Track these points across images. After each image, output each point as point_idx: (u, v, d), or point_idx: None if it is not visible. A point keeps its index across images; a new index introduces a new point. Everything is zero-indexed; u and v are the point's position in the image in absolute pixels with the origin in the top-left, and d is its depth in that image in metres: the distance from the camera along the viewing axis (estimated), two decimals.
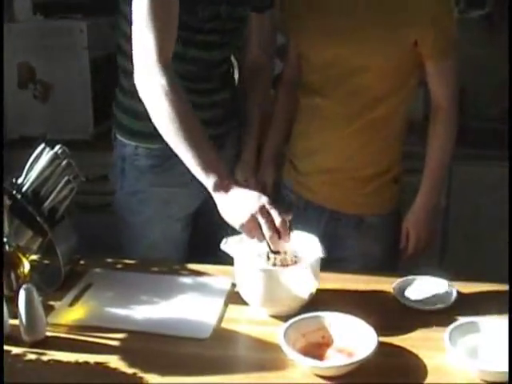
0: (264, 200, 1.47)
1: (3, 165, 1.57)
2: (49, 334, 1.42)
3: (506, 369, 1.27)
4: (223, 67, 1.95)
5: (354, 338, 1.36)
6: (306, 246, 1.56)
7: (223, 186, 1.50)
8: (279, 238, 1.46)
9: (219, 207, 1.52)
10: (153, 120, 1.58)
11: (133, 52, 1.60)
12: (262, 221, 1.44)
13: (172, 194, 1.92)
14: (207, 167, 1.51)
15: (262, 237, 1.46)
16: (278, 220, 1.45)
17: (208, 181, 1.51)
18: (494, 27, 3.06)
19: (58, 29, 2.76)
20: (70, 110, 2.80)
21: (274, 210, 1.45)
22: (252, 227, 1.46)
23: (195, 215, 2.00)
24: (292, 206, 1.93)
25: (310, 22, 1.83)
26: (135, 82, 1.60)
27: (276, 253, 1.51)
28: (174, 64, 1.64)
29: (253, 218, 1.45)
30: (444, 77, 1.87)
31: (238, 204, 1.49)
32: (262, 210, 1.45)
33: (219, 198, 1.51)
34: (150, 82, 1.57)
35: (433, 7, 1.77)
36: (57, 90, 2.80)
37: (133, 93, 1.67)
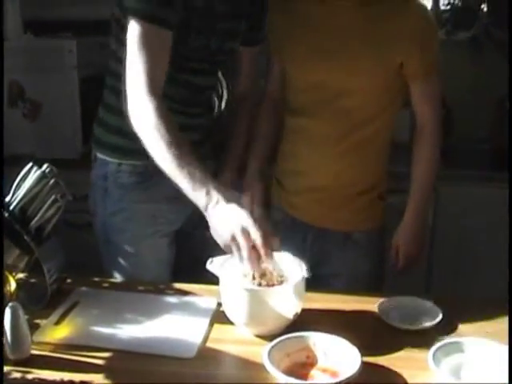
0: (246, 220, 1.49)
1: (3, 178, 1.58)
2: (34, 352, 1.42)
3: None
4: (209, 93, 2.02)
5: (338, 358, 1.37)
6: (292, 266, 1.57)
7: (213, 204, 1.53)
8: (259, 258, 1.48)
9: (210, 225, 1.56)
10: (146, 146, 1.63)
11: (126, 79, 1.66)
12: (240, 242, 1.47)
13: (157, 210, 1.92)
14: (198, 188, 1.55)
15: (241, 257, 1.48)
16: (258, 241, 1.47)
17: (199, 201, 1.55)
18: (480, 49, 3.09)
19: (47, 48, 2.77)
20: (59, 129, 2.80)
21: (255, 230, 1.47)
22: (233, 247, 1.49)
23: (179, 232, 2.00)
24: (279, 224, 1.94)
25: (296, 44, 1.85)
26: (128, 108, 1.65)
27: (260, 275, 1.52)
28: (167, 86, 1.70)
29: (233, 238, 1.48)
30: (428, 97, 1.90)
31: (222, 223, 1.51)
32: (243, 230, 1.47)
33: (210, 217, 1.55)
34: (141, 110, 1.63)
35: (418, 30, 1.79)
36: (46, 108, 2.80)
37: (119, 110, 1.70)
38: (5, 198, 1.60)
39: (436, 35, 1.91)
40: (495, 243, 2.59)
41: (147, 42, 1.63)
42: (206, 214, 1.55)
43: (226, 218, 1.51)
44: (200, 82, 1.90)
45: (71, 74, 2.77)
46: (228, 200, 1.53)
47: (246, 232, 1.47)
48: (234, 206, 1.52)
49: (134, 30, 1.65)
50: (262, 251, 1.48)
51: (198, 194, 1.55)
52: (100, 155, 1.94)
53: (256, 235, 1.47)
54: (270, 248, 1.49)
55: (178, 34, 1.72)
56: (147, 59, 1.63)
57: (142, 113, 1.63)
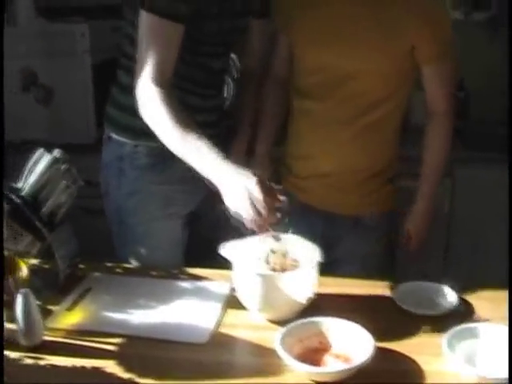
0: (253, 188, 1.49)
1: (4, 169, 1.57)
2: (46, 338, 1.42)
3: (503, 375, 1.26)
4: (223, 75, 2.02)
5: (351, 344, 1.36)
6: (305, 250, 1.55)
7: (223, 172, 1.54)
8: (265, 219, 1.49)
9: (222, 194, 1.56)
10: (154, 130, 1.67)
11: (136, 69, 1.69)
12: (249, 211, 1.48)
13: (172, 192, 1.92)
14: (207, 161, 1.57)
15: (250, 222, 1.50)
16: (263, 212, 1.48)
17: (209, 173, 1.57)
18: (498, 30, 3.05)
19: (59, 32, 2.76)
20: (72, 114, 2.79)
21: (261, 200, 1.48)
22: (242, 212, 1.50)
23: (193, 216, 2.00)
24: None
25: (305, 26, 1.82)
26: (137, 97, 1.69)
27: (273, 258, 1.52)
28: (183, 69, 1.75)
29: (243, 207, 1.49)
30: (441, 80, 1.87)
31: (233, 190, 1.52)
32: (252, 193, 1.48)
33: (222, 188, 1.55)
34: (147, 99, 1.67)
35: (428, 12, 1.76)
36: (58, 93, 2.79)
37: (132, 90, 1.71)
38: (17, 184, 1.60)
39: (448, 18, 1.87)
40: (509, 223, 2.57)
41: (157, 36, 1.67)
42: (215, 181, 1.56)
43: (234, 180, 1.52)
44: (215, 65, 1.90)
45: (84, 59, 2.76)
46: (237, 168, 1.55)
47: (251, 196, 1.48)
48: (243, 174, 1.53)
49: (145, 21, 1.67)
50: (267, 213, 1.49)
51: (208, 166, 1.56)
52: (115, 136, 1.93)
53: (261, 205, 1.48)
54: (274, 218, 1.51)
55: (193, 23, 1.72)
56: (156, 52, 1.66)
57: (149, 101, 1.66)
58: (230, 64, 2.07)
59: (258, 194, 1.48)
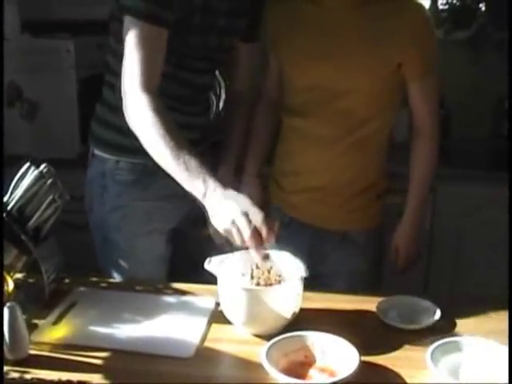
0: (245, 203, 1.49)
1: (3, 180, 1.58)
2: (32, 352, 1.42)
3: None
4: (208, 92, 2.02)
5: (336, 358, 1.37)
6: (290, 265, 1.56)
7: (211, 191, 1.53)
8: (260, 240, 1.47)
9: (209, 213, 1.54)
10: (141, 141, 1.65)
11: (122, 78, 1.68)
12: (240, 224, 1.46)
13: (155, 208, 1.92)
14: (195, 177, 1.55)
15: (241, 240, 1.48)
16: (259, 222, 1.46)
17: (197, 190, 1.55)
18: (479, 48, 3.09)
19: (45, 48, 2.76)
20: (57, 129, 2.80)
21: (256, 211, 1.48)
22: (233, 230, 1.48)
23: (176, 231, 2.00)
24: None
25: (294, 46, 1.84)
26: (124, 107, 1.67)
27: (258, 273, 1.53)
28: (167, 85, 1.74)
29: (233, 222, 1.47)
30: (426, 96, 1.89)
31: (221, 208, 1.51)
32: (243, 213, 1.47)
33: (208, 204, 1.54)
34: (135, 106, 1.65)
35: (416, 29, 1.78)
36: (43, 109, 2.80)
37: (117, 108, 1.71)
38: (3, 198, 1.60)
39: (434, 34, 1.89)
40: (494, 243, 2.60)
41: (142, 40, 1.65)
42: (204, 201, 1.54)
43: (225, 203, 1.50)
44: (200, 81, 1.91)
45: (69, 74, 2.76)
46: (225, 188, 1.54)
47: (246, 214, 1.47)
48: (232, 192, 1.53)
49: (129, 27, 1.66)
50: (263, 231, 1.47)
51: (196, 183, 1.55)
52: (98, 152, 1.93)
53: (256, 216, 1.47)
54: (271, 229, 1.49)
55: (177, 33, 1.72)
56: (143, 58, 1.65)
57: (137, 108, 1.65)
58: (215, 81, 2.08)
59: (256, 214, 1.47)
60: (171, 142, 1.59)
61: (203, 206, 1.56)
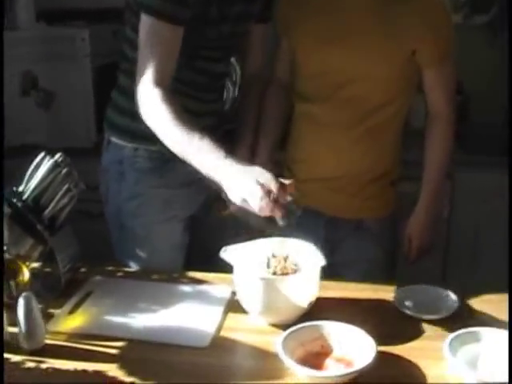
0: (260, 173, 1.47)
1: (3, 173, 1.57)
2: (48, 341, 1.42)
3: (505, 379, 1.26)
4: (224, 79, 2.01)
5: (353, 348, 1.36)
6: (306, 253, 1.55)
7: (226, 166, 1.52)
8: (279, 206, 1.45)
9: (224, 187, 1.52)
10: (155, 131, 1.66)
11: (136, 72, 1.69)
12: (257, 192, 1.43)
13: (172, 195, 1.92)
14: (210, 156, 1.55)
15: (259, 208, 1.45)
16: (275, 188, 1.44)
17: (212, 168, 1.54)
18: (498, 33, 3.05)
19: (60, 37, 2.76)
20: (73, 118, 2.79)
21: (271, 178, 1.46)
22: (250, 198, 1.45)
23: (194, 219, 1.99)
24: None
25: (306, 30, 1.82)
26: (138, 102, 1.69)
27: (275, 262, 1.51)
28: (184, 73, 1.76)
29: (250, 192, 1.45)
30: (442, 84, 1.87)
31: (237, 179, 1.49)
32: (258, 182, 1.45)
33: (223, 178, 1.52)
34: (149, 101, 1.66)
35: (431, 15, 1.76)
36: (59, 97, 2.80)
37: (134, 95, 1.71)
38: (18, 187, 1.60)
39: (450, 21, 1.87)
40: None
41: (157, 38, 1.67)
42: (219, 176, 1.53)
43: (240, 174, 1.49)
44: (215, 69, 1.90)
45: (84, 63, 2.76)
46: (243, 164, 1.53)
47: (260, 183, 1.45)
48: (247, 166, 1.52)
49: (145, 24, 1.68)
50: (280, 194, 1.45)
51: (210, 161, 1.54)
52: (114, 139, 1.93)
53: (272, 183, 1.45)
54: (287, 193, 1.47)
55: (194, 27, 1.73)
56: (156, 54, 1.67)
57: (149, 101, 1.66)
58: (230, 68, 2.07)
59: (271, 181, 1.45)
60: (184, 130, 1.59)
61: (220, 186, 1.54)
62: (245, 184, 1.46)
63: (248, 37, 1.96)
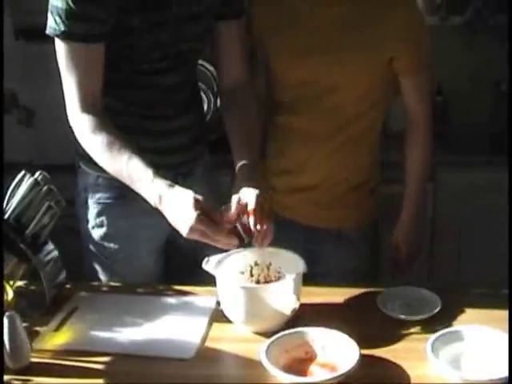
0: (190, 206, 1.44)
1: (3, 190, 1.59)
2: (34, 359, 1.42)
3: (487, 377, 1.28)
4: (185, 91, 1.80)
5: (336, 353, 1.37)
6: (289, 261, 1.56)
7: (159, 200, 1.50)
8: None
9: (166, 215, 1.51)
10: (93, 159, 1.63)
11: (65, 99, 1.65)
12: (202, 228, 1.43)
13: (139, 227, 1.80)
14: (143, 189, 1.53)
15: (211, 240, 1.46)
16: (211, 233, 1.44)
17: (149, 200, 1.52)
18: (474, 33, 3.07)
19: (39, 53, 2.76)
20: (55, 134, 2.78)
21: (200, 223, 1.43)
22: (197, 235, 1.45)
23: (167, 245, 1.89)
24: None
25: (283, 40, 1.79)
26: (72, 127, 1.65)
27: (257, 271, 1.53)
28: (126, 92, 1.69)
29: (192, 228, 1.44)
30: (419, 90, 1.86)
31: (174, 217, 1.48)
32: (198, 218, 1.43)
33: (164, 213, 1.51)
34: (77, 126, 1.64)
35: (406, 23, 1.75)
36: (40, 114, 2.81)
37: None
38: (3, 203, 1.60)
39: (426, 28, 1.85)
40: (496, 227, 2.59)
41: (75, 60, 1.59)
42: (155, 204, 1.51)
43: (175, 211, 1.48)
44: (164, 81, 1.73)
45: None
46: (171, 193, 1.49)
47: (197, 218, 1.43)
48: (177, 194, 1.48)
49: (59, 49, 1.60)
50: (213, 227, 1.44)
51: (142, 188, 1.53)
52: (82, 165, 1.85)
53: (208, 228, 1.44)
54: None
55: (117, 40, 1.61)
56: (77, 77, 1.60)
57: (80, 131, 1.63)
58: (193, 77, 1.86)
59: (193, 211, 1.43)
60: (111, 151, 1.56)
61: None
62: (184, 223, 1.45)
63: (215, 40, 1.77)
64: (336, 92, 1.78)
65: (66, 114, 1.68)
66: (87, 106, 1.61)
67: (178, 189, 1.50)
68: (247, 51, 1.82)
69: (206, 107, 2.77)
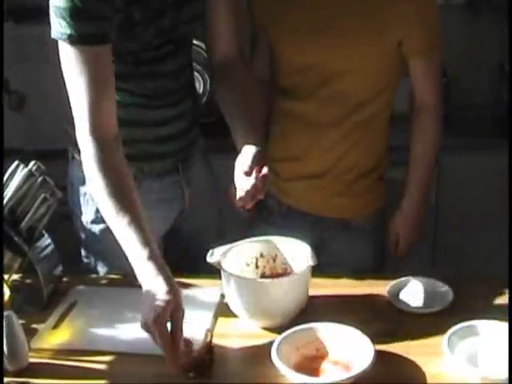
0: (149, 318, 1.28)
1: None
2: (33, 360, 1.37)
3: (506, 375, 1.23)
4: (185, 76, 1.75)
5: (349, 349, 1.32)
6: (296, 252, 1.51)
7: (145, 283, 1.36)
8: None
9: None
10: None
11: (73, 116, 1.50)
12: (155, 333, 1.28)
13: None
14: (134, 259, 1.39)
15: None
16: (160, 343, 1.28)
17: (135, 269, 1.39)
18: (477, 12, 3.02)
19: (29, 36, 2.69)
20: (47, 119, 2.72)
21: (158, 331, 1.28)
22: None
23: (165, 238, 1.81)
24: (273, 212, 1.89)
25: (288, 23, 1.73)
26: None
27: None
28: (131, 85, 1.61)
29: (148, 328, 1.29)
30: (429, 74, 1.81)
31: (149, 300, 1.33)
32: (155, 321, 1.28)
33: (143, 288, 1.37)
34: (83, 153, 1.48)
35: (417, 5, 1.70)
36: (32, 99, 2.74)
37: None
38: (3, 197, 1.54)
39: (435, 9, 1.79)
40: (498, 210, 2.55)
41: (85, 66, 1.43)
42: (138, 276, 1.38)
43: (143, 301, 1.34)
44: (168, 67, 1.67)
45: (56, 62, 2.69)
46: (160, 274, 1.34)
47: (158, 324, 1.27)
48: (159, 284, 1.33)
49: (66, 55, 1.45)
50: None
51: (133, 260, 1.39)
52: (77, 156, 1.70)
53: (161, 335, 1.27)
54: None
55: (122, 35, 1.51)
56: (88, 88, 1.44)
57: (85, 159, 1.47)
58: (187, 61, 1.77)
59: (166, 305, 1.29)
60: (114, 210, 1.40)
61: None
62: (144, 318, 1.30)
63: (207, 17, 1.68)
64: (342, 77, 1.73)
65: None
66: (97, 127, 1.45)
67: (163, 280, 1.34)
68: (242, 30, 1.73)
69: (201, 89, 2.74)
